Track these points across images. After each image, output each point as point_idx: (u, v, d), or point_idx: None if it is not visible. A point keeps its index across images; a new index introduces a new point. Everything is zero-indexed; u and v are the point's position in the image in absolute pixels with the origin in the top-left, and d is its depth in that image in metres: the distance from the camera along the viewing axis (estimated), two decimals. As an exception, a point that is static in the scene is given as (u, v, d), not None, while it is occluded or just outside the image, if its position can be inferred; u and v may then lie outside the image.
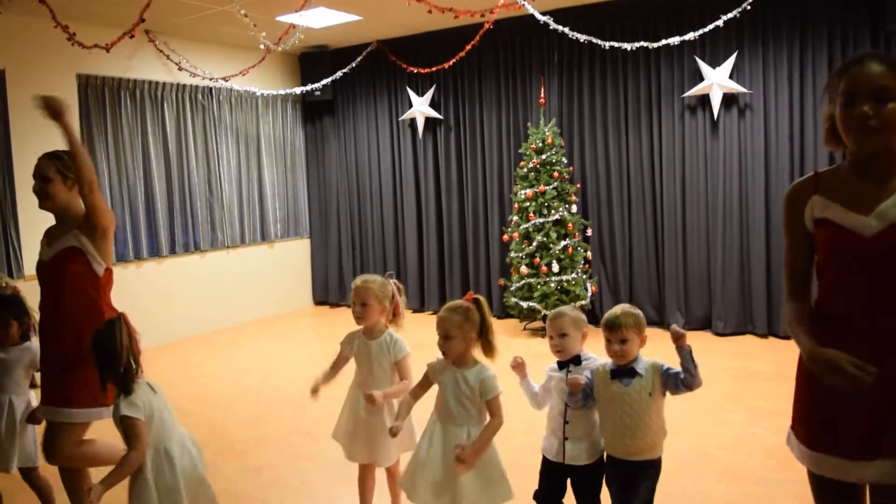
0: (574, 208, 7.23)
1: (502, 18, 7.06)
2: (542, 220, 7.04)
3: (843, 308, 1.90)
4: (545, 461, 2.89)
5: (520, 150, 7.53)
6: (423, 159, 8.64)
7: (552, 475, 2.86)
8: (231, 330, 8.10)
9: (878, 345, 1.80)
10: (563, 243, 6.96)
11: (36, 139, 6.61)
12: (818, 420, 1.93)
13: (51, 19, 5.77)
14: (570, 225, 7.03)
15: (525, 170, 7.26)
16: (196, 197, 8.02)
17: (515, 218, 7.31)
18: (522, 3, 6.16)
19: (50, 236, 3.18)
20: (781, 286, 6.62)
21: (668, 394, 2.68)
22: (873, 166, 1.87)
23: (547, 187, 7.07)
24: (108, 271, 3.21)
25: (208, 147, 8.18)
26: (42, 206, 3.15)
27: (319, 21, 7.37)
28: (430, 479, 2.68)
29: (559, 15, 6.83)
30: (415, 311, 8.73)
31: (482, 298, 2.80)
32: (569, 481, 2.85)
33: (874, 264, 1.84)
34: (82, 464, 3.23)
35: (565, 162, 7.32)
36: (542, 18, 6.34)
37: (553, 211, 7.05)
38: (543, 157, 7.14)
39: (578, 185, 7.49)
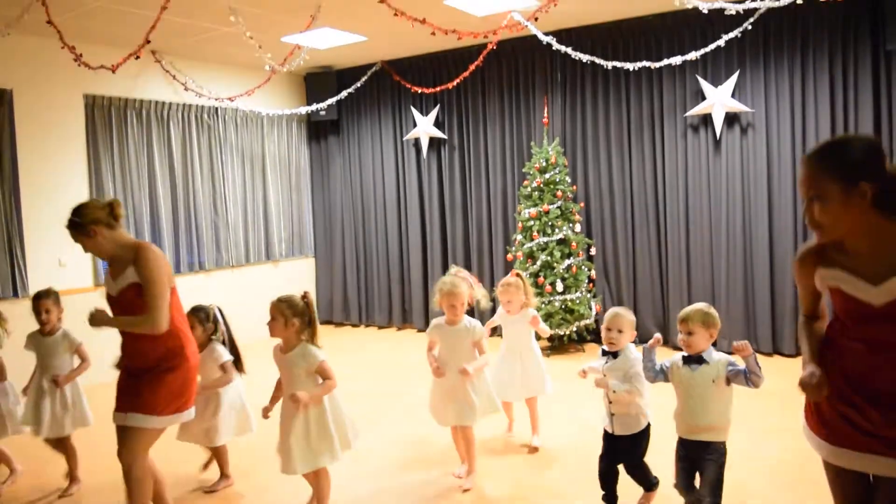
0: (578, 227, 7.24)
1: (505, 39, 7.11)
2: (545, 239, 7.05)
3: (849, 348, 2.15)
4: (604, 431, 3.57)
5: (523, 170, 7.56)
6: (428, 178, 8.67)
7: (608, 441, 3.57)
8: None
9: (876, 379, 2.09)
10: (566, 262, 6.97)
11: (42, 158, 6.68)
12: (835, 417, 2.16)
13: (58, 40, 5.83)
14: (573, 244, 7.04)
15: (529, 189, 7.28)
16: (201, 216, 8.05)
17: (519, 237, 7.32)
18: (525, 24, 6.21)
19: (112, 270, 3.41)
20: (785, 305, 6.62)
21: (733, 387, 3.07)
22: (854, 242, 2.09)
23: (551, 206, 7.09)
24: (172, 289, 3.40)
25: (214, 167, 8.23)
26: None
27: (325, 42, 7.43)
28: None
29: (562, 35, 6.89)
30: (419, 330, 8.72)
31: None
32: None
33: (880, 324, 2.07)
34: (141, 472, 3.34)
35: (569, 181, 7.35)
36: (545, 39, 6.39)
37: (557, 230, 7.06)
38: (547, 176, 7.16)
39: (582, 204, 7.51)
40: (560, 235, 7.04)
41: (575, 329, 7.00)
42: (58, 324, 4.22)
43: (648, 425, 3.49)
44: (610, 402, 3.46)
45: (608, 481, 3.57)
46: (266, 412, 3.61)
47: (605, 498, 3.59)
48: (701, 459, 3.07)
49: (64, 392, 4.14)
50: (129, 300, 3.28)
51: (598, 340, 7.48)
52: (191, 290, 8.08)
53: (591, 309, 7.05)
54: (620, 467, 3.61)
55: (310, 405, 3.42)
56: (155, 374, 3.29)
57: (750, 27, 6.11)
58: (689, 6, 5.36)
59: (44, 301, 4.17)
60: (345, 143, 9.35)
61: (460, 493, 4.05)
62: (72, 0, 5.63)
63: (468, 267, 8.42)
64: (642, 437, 3.49)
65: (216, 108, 8.21)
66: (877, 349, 2.06)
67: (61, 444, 4.24)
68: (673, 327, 7.15)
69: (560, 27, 7.21)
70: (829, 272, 2.14)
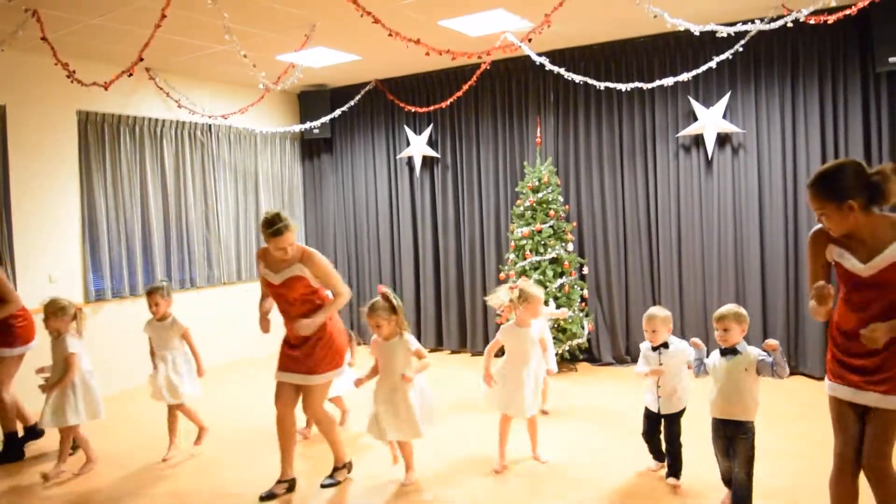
0: (570, 247, 7.25)
1: (499, 59, 7.15)
2: (538, 258, 7.05)
3: (845, 309, 3.06)
4: (647, 411, 4.35)
5: (516, 189, 7.58)
6: (421, 197, 8.68)
7: (651, 420, 4.34)
8: (226, 367, 8.04)
9: (865, 323, 2.90)
10: (559, 281, 6.97)
11: (34, 174, 6.66)
12: (836, 364, 3.08)
13: (52, 56, 5.84)
14: (566, 263, 7.05)
15: (521, 208, 7.29)
16: (193, 233, 8.03)
17: (512, 256, 7.32)
18: (519, 44, 6.25)
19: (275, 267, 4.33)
20: (777, 323, 6.63)
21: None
22: (857, 233, 2.94)
23: (543, 226, 7.10)
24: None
25: (206, 184, 8.22)
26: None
27: (319, 61, 7.46)
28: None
29: (555, 56, 6.93)
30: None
31: None
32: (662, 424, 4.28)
33: (868, 288, 2.95)
34: (324, 417, 4.45)
35: (561, 200, 7.37)
36: (539, 59, 6.42)
37: (549, 249, 7.07)
38: (540, 195, 7.18)
39: (574, 224, 7.52)
40: (553, 255, 7.05)
41: (567, 348, 6.99)
42: (167, 312, 5.09)
43: (684, 408, 4.24)
44: (658, 387, 4.22)
45: (654, 442, 4.40)
46: (360, 383, 4.44)
47: (651, 450, 4.45)
48: (734, 437, 3.68)
49: (177, 365, 5.05)
50: (291, 286, 4.28)
51: (591, 360, 7.48)
52: (182, 306, 8.04)
53: (583, 328, 7.04)
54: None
55: (408, 383, 4.20)
56: (314, 343, 4.29)
57: (741, 49, 6.16)
58: (681, 28, 5.41)
59: (153, 295, 5.03)
60: (338, 162, 9.36)
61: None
62: (66, 17, 5.64)
63: (461, 286, 8.43)
64: (680, 416, 4.23)
65: (209, 126, 8.21)
66: (863, 307, 2.96)
67: (181, 409, 5.16)
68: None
69: (553, 48, 7.25)
70: (836, 249, 3.01)
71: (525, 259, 7.10)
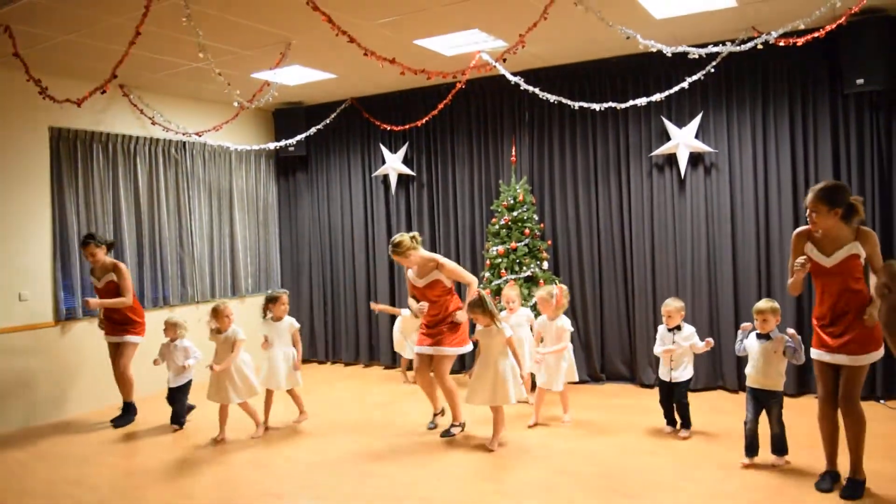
0: (545, 265, 7.28)
1: (474, 78, 7.19)
2: (513, 276, 7.07)
3: (819, 295, 4.28)
4: (660, 381, 5.60)
5: (491, 207, 7.61)
6: (396, 215, 8.68)
7: (664, 389, 5.59)
8: (200, 386, 7.93)
9: (832, 302, 4.20)
10: (534, 300, 6.98)
11: (4, 191, 6.57)
12: (818, 334, 4.28)
13: (24, 72, 5.78)
14: (541, 281, 7.06)
15: (497, 227, 7.32)
16: (167, 251, 7.95)
17: (487, 274, 7.34)
18: (494, 63, 6.30)
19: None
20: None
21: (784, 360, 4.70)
22: (829, 233, 4.14)
23: (518, 244, 7.13)
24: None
25: (180, 201, 8.15)
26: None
27: (294, 78, 7.46)
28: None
29: (529, 75, 6.99)
30: (386, 367, 8.68)
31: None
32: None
33: (831, 276, 4.17)
34: (447, 382, 5.68)
35: (536, 219, 7.41)
36: (513, 79, 6.47)
37: (525, 267, 7.09)
38: (515, 214, 7.21)
39: (549, 242, 7.56)
40: (528, 273, 7.07)
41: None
42: (283, 315, 6.20)
43: (691, 378, 5.51)
44: (672, 360, 5.45)
45: (668, 408, 5.62)
46: (471, 374, 5.48)
47: (665, 416, 5.64)
48: (767, 401, 4.72)
49: (287, 359, 6.21)
50: (432, 287, 5.69)
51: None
52: (155, 324, 7.96)
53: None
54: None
55: (499, 359, 5.28)
56: (446, 324, 5.69)
57: (713, 70, 6.26)
58: (653, 49, 5.48)
59: (270, 305, 6.20)
60: (313, 180, 9.34)
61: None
62: (39, 33, 5.59)
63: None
64: (688, 384, 5.51)
65: (184, 143, 8.16)
66: (827, 289, 4.19)
67: (292, 393, 6.34)
68: (640, 363, 7.24)
69: (528, 67, 7.32)
70: (810, 246, 4.21)
71: (500, 277, 7.12)
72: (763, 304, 4.76)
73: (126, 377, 6.56)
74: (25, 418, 6.62)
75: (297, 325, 6.32)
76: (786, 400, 4.84)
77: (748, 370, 4.79)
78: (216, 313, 5.94)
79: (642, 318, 7.23)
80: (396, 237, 5.57)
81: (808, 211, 4.12)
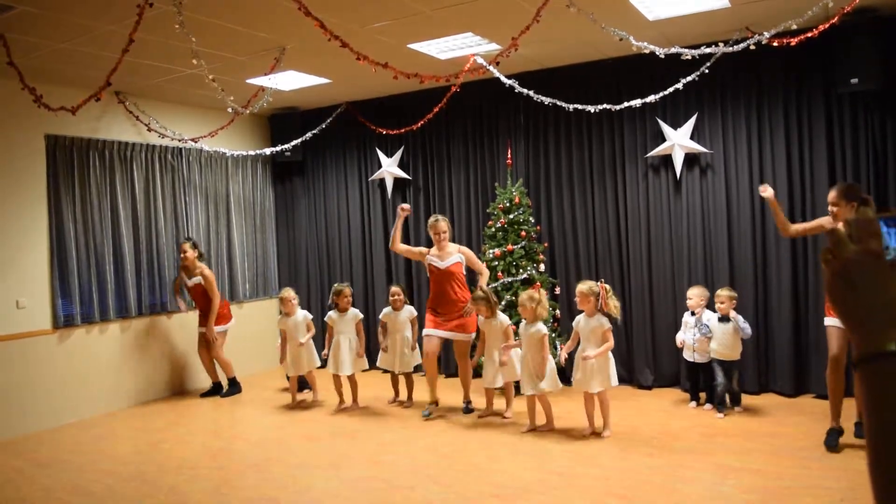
0: (542, 267, 7.28)
1: (469, 81, 7.20)
2: (510, 279, 7.08)
3: None
4: (687, 362, 6.40)
5: (487, 210, 7.61)
6: (393, 219, 8.67)
7: (691, 369, 6.40)
8: (199, 392, 7.95)
9: None
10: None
11: (3, 198, 6.57)
12: (829, 304, 4.15)
13: (18, 80, 5.79)
14: (538, 284, 7.06)
15: (493, 229, 7.32)
16: (164, 258, 7.96)
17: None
18: (488, 67, 6.31)
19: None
20: (746, 340, 6.68)
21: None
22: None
23: (515, 246, 7.13)
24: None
25: (177, 207, 8.16)
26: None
27: (289, 84, 7.47)
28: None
29: (524, 78, 6.99)
30: (385, 371, 8.65)
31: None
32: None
33: None
34: (468, 362, 6.54)
35: (532, 221, 7.41)
36: (508, 82, 6.48)
37: (521, 270, 7.10)
38: (511, 216, 7.22)
39: (546, 245, 7.57)
40: (525, 275, 7.08)
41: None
42: (348, 306, 6.91)
43: (713, 358, 6.16)
44: (695, 344, 6.18)
45: (694, 382, 6.40)
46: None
47: (691, 392, 6.46)
48: (730, 369, 6.03)
49: (352, 346, 6.91)
50: (456, 271, 6.44)
51: (563, 380, 7.48)
52: (153, 330, 7.98)
53: (556, 348, 7.05)
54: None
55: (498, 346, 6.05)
56: (458, 312, 6.37)
57: (707, 71, 6.27)
58: (647, 51, 5.49)
59: (335, 298, 6.92)
60: (310, 184, 9.35)
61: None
62: (33, 41, 5.60)
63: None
64: (711, 364, 6.16)
65: (180, 149, 8.17)
66: None
67: (350, 378, 7.02)
68: (638, 366, 7.23)
69: (522, 70, 7.33)
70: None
71: (497, 280, 7.13)
72: (722, 291, 6.08)
73: (222, 360, 7.73)
74: (23, 425, 6.62)
75: (361, 316, 6.99)
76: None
77: (713, 346, 6.05)
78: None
79: (639, 320, 7.23)
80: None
81: (830, 206, 4.86)
